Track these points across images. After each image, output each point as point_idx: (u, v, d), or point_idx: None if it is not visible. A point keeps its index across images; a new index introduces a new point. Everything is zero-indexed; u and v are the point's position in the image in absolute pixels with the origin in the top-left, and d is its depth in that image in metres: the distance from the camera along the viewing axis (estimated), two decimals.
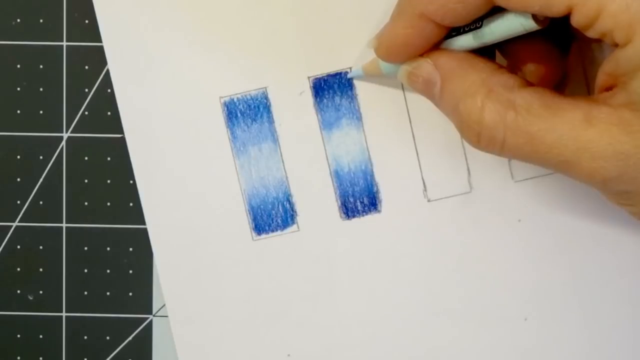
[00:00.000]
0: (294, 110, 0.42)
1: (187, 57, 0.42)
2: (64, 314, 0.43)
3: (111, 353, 0.43)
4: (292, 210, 0.42)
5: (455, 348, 0.42)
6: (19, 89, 0.43)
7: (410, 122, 0.42)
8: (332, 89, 0.42)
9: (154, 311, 0.43)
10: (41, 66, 0.43)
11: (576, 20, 0.30)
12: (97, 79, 0.43)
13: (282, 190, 0.42)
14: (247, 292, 0.42)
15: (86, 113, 0.43)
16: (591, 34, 0.30)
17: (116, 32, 0.42)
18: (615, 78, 0.30)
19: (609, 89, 0.31)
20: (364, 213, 0.42)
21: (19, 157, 0.43)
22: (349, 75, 0.42)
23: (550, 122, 0.30)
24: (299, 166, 0.42)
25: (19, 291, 0.43)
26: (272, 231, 0.42)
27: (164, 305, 0.42)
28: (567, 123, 0.30)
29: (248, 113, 0.42)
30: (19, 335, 0.43)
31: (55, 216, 0.43)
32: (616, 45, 0.30)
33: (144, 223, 0.42)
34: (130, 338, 0.43)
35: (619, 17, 0.29)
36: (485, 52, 0.35)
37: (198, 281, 0.42)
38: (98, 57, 0.42)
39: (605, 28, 0.29)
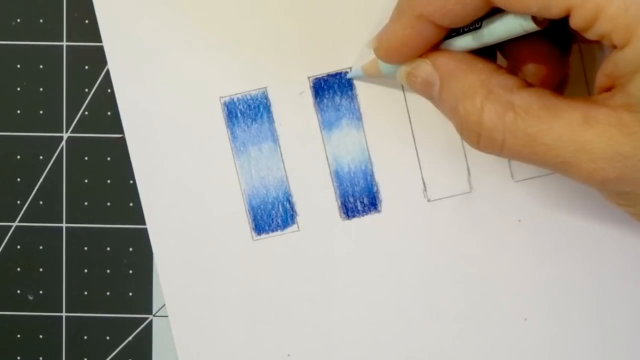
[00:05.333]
0: (294, 110, 0.42)
1: (187, 57, 0.42)
2: (64, 314, 0.43)
3: (111, 353, 0.43)
4: (292, 210, 0.42)
5: (455, 348, 0.42)
6: (19, 89, 0.43)
7: (410, 122, 0.42)
8: (332, 89, 0.42)
9: (154, 311, 0.43)
10: (41, 66, 0.43)
11: (574, 22, 0.30)
12: (97, 79, 0.43)
13: (282, 190, 0.42)
14: (247, 292, 0.42)
15: (86, 113, 0.43)
16: (590, 36, 0.30)
17: (116, 32, 0.42)
18: (613, 79, 0.30)
19: (607, 90, 0.31)
20: (364, 213, 0.42)
21: (19, 157, 0.43)
22: (348, 76, 0.42)
23: (549, 123, 0.30)
24: (299, 166, 0.42)
25: (19, 291, 0.43)
26: (272, 231, 0.42)
27: (164, 305, 0.42)
28: (566, 124, 0.30)
29: (248, 113, 0.42)
30: (19, 335, 0.43)
31: (55, 216, 0.43)
32: (614, 47, 0.30)
33: (144, 223, 0.42)
34: (130, 338, 0.43)
35: (617, 20, 0.28)
36: (486, 53, 0.35)
37: (198, 281, 0.42)
38: (98, 57, 0.42)
39: (604, 30, 0.29)
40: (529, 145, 0.31)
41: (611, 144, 0.29)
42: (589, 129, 0.30)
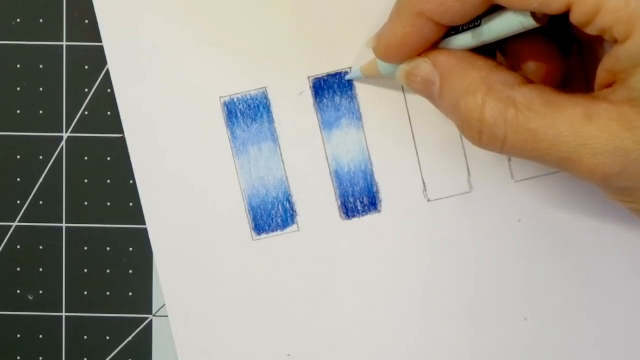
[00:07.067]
0: (294, 110, 0.42)
1: (187, 57, 0.42)
2: (64, 314, 0.43)
3: (111, 353, 0.43)
4: (292, 210, 0.42)
5: (455, 348, 0.42)
6: (19, 89, 0.43)
7: (410, 122, 0.42)
8: (332, 89, 0.42)
9: (154, 311, 0.43)
10: (41, 66, 0.43)
11: (575, 18, 0.30)
12: (97, 79, 0.43)
13: (282, 190, 0.42)
14: (247, 292, 0.42)
15: (86, 113, 0.43)
16: (590, 30, 0.30)
17: (116, 32, 0.42)
18: (614, 75, 0.30)
19: (609, 86, 0.31)
20: (364, 213, 0.42)
21: (19, 157, 0.43)
22: (347, 77, 0.42)
23: (550, 119, 0.31)
24: (299, 166, 0.42)
25: (19, 291, 0.43)
26: (272, 231, 0.42)
27: (164, 305, 0.42)
28: (567, 120, 0.30)
29: (248, 113, 0.42)
30: (19, 335, 0.43)
31: (55, 216, 0.43)
32: (615, 41, 0.30)
33: (144, 223, 0.42)
34: (130, 338, 0.43)
35: (619, 13, 0.29)
36: (486, 53, 0.35)
37: (198, 281, 0.42)
38: (98, 57, 0.43)
39: (605, 24, 0.29)
40: (530, 142, 0.31)
41: (613, 139, 0.29)
42: (591, 124, 0.30)
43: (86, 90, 0.43)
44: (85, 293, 0.43)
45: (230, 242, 0.42)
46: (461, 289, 0.42)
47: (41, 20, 0.43)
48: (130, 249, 0.43)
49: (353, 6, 0.41)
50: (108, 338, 0.43)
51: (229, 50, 0.42)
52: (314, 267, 0.42)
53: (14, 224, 0.43)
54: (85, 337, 0.43)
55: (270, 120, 0.42)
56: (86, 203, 0.43)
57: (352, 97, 0.42)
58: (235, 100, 0.42)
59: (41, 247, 0.43)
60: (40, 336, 0.43)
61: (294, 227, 0.42)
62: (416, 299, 0.42)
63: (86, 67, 0.43)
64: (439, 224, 0.42)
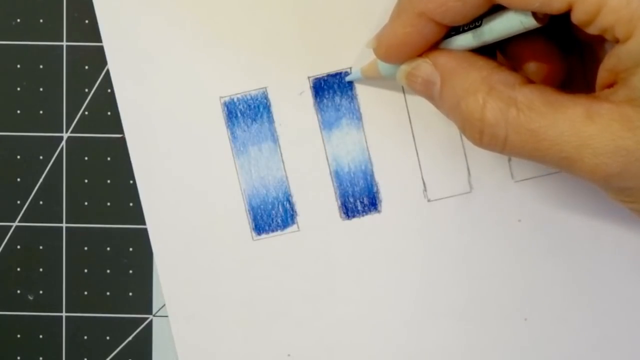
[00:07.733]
0: (294, 110, 0.42)
1: (187, 57, 0.42)
2: (64, 314, 0.43)
3: (111, 353, 0.43)
4: (292, 210, 0.42)
5: (455, 348, 0.42)
6: (19, 89, 0.43)
7: (410, 122, 0.42)
8: (332, 89, 0.42)
9: (154, 311, 0.43)
10: (41, 66, 0.43)
11: (577, 17, 0.30)
12: (97, 79, 0.43)
13: (282, 190, 0.42)
14: (247, 292, 0.42)
15: (86, 113, 0.43)
16: (592, 30, 0.30)
17: (116, 32, 0.42)
18: (616, 74, 0.31)
19: (610, 85, 0.31)
20: (364, 213, 0.42)
21: (19, 157, 0.43)
22: (347, 79, 0.42)
23: (551, 119, 0.31)
24: (299, 166, 0.42)
25: (19, 291, 0.43)
26: (272, 231, 0.42)
27: (164, 305, 0.42)
28: (568, 119, 0.30)
29: (248, 113, 0.42)
30: (19, 335, 0.43)
31: (55, 216, 0.43)
32: (617, 41, 0.30)
33: (144, 223, 0.42)
34: (130, 338, 0.43)
35: (620, 13, 0.29)
36: (486, 53, 0.35)
37: (198, 281, 0.42)
38: (98, 57, 0.42)
39: (606, 24, 0.29)
40: (531, 141, 0.31)
41: (614, 138, 0.29)
42: (592, 124, 0.30)
43: (86, 90, 0.43)
44: (85, 293, 0.43)
45: (231, 242, 0.42)
46: (461, 289, 0.42)
47: (41, 20, 0.43)
48: (130, 249, 0.43)
49: (353, 6, 0.41)
50: (108, 338, 0.43)
51: (229, 51, 0.42)
52: (314, 267, 0.42)
53: (14, 224, 0.43)
54: (85, 337, 0.43)
55: (270, 120, 0.42)
56: (86, 203, 0.43)
57: (352, 97, 0.42)
58: (235, 100, 0.42)
59: (41, 247, 0.43)
60: (40, 336, 0.43)
61: (294, 227, 0.42)
62: (416, 299, 0.42)
63: (86, 67, 0.43)
64: (439, 224, 0.42)
